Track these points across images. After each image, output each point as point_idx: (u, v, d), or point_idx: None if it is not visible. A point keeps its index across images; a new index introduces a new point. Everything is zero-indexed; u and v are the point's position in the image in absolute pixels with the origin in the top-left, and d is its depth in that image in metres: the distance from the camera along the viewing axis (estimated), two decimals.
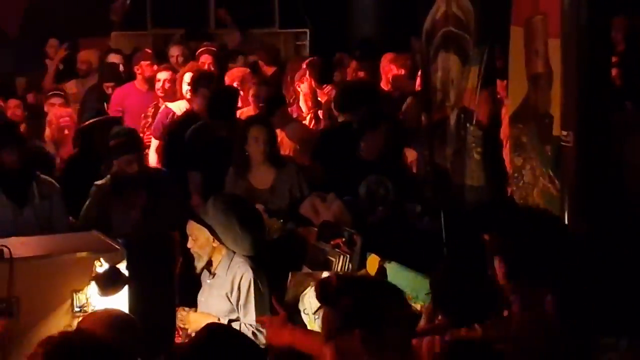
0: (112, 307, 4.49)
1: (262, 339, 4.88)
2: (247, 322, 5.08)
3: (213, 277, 5.25)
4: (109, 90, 9.51)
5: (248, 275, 5.13)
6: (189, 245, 5.28)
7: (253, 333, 5.03)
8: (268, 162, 6.65)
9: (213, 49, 10.08)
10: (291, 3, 12.96)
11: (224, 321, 5.09)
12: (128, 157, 6.62)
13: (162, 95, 8.89)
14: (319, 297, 3.30)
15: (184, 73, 8.75)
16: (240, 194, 6.28)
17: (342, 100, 7.90)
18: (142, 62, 9.48)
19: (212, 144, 7.34)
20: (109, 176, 6.69)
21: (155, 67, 9.48)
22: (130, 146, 6.69)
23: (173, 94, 8.77)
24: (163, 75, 9.02)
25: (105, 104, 9.28)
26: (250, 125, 6.73)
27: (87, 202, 6.63)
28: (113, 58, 10.36)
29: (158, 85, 8.98)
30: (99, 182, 6.70)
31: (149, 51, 10.27)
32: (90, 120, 8.06)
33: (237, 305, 5.15)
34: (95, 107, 9.01)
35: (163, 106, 8.50)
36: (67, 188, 6.89)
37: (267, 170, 6.67)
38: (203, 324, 5.08)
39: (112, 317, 4.13)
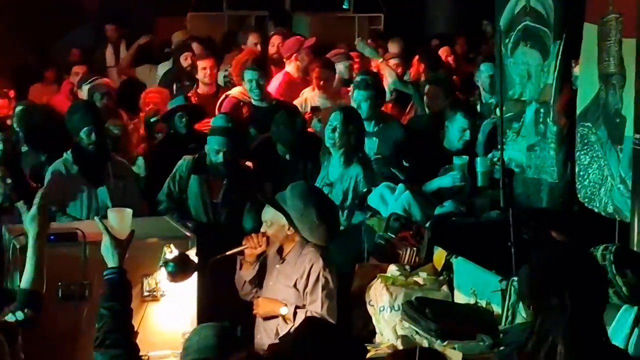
0: None
1: None
2: (313, 310, 5.13)
3: (282, 262, 5.29)
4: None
5: (318, 265, 5.16)
6: (262, 229, 5.31)
7: None
8: None
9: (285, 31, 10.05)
10: None
11: (291, 308, 5.14)
12: (219, 148, 6.68)
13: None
14: None
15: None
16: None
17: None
18: (297, 55, 9.15)
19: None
20: (195, 155, 6.82)
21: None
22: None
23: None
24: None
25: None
26: None
27: (171, 174, 6.79)
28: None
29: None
30: (187, 157, 6.84)
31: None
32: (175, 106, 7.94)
33: (304, 292, 5.19)
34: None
35: (224, 96, 8.29)
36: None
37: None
38: (270, 309, 5.22)
39: None
